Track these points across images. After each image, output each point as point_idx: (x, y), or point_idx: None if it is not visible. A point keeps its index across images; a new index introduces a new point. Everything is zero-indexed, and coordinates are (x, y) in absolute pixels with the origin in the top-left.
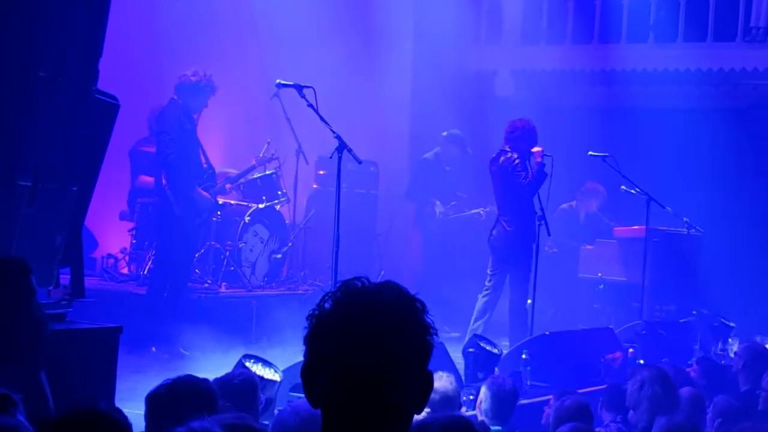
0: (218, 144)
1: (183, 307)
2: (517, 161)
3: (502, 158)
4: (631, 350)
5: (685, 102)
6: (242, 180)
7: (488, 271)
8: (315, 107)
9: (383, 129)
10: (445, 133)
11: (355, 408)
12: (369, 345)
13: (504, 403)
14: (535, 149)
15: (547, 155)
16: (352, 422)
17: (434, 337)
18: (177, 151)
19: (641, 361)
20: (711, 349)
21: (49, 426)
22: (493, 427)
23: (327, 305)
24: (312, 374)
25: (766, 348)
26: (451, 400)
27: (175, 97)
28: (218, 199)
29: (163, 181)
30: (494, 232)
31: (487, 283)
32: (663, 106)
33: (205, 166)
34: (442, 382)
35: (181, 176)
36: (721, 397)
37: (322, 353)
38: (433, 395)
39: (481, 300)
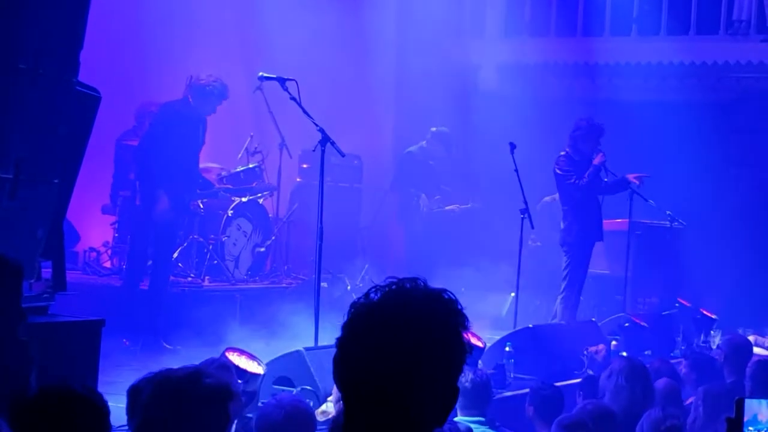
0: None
1: (162, 301)
2: (565, 163)
3: (557, 161)
4: (614, 343)
5: (669, 95)
6: (226, 179)
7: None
8: (298, 100)
9: (367, 122)
10: (433, 129)
11: (371, 407)
12: (401, 346)
13: (478, 394)
14: (596, 159)
15: (631, 179)
16: (368, 408)
17: (469, 351)
18: (154, 148)
19: (624, 354)
20: (693, 341)
21: (26, 405)
22: (474, 418)
23: (373, 296)
24: (340, 363)
25: (747, 340)
26: None
27: (190, 99)
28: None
29: (131, 175)
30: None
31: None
32: (646, 99)
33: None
34: None
35: (147, 172)
36: (706, 385)
37: (350, 345)
38: None
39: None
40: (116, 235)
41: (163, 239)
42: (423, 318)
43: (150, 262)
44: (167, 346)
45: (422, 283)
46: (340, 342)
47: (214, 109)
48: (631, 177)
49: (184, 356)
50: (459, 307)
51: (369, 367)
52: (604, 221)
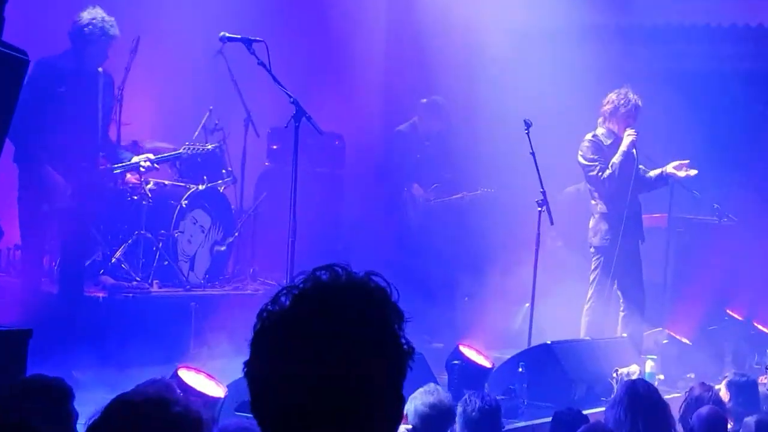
0: (147, 112)
1: (77, 312)
2: (590, 150)
3: (581, 147)
4: (650, 363)
5: (719, 63)
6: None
7: None
8: (267, 66)
9: (351, 93)
10: (424, 101)
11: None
12: (332, 360)
13: (485, 424)
14: (625, 140)
15: (672, 172)
16: None
17: (410, 351)
18: (31, 117)
19: (661, 377)
20: (745, 362)
21: None
22: None
23: (283, 300)
24: (259, 397)
25: None
26: (446, 415)
27: (73, 48)
28: (134, 179)
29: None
30: None
31: None
32: (692, 68)
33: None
34: (436, 395)
35: (24, 150)
36: (760, 415)
37: (271, 366)
38: (428, 410)
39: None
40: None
41: (67, 234)
42: (350, 320)
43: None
44: (76, 374)
45: (342, 272)
46: (250, 366)
47: (106, 54)
48: (672, 167)
49: (128, 376)
50: (390, 297)
51: (292, 390)
52: None
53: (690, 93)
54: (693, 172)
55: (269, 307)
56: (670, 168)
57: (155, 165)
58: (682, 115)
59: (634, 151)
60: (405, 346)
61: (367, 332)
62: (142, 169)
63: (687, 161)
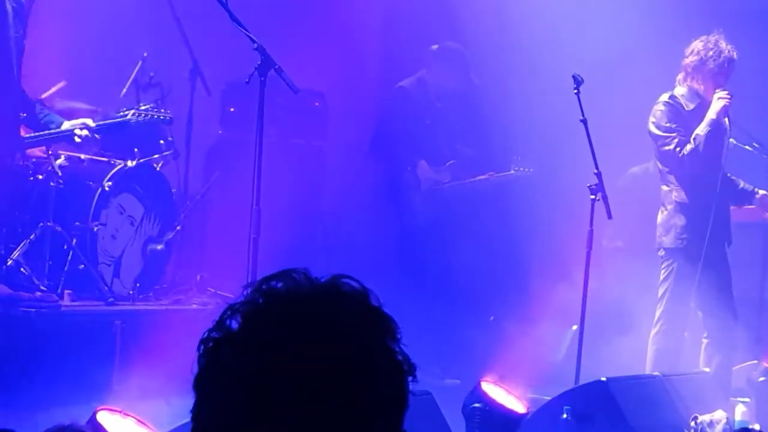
0: (60, 59)
1: None
2: (665, 116)
3: (654, 112)
4: (741, 408)
5: None
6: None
7: None
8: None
9: (337, 38)
10: (435, 47)
11: None
12: (306, 395)
13: None
14: (717, 96)
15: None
16: None
17: (411, 379)
18: None
19: (756, 427)
20: None
21: None
22: None
23: (232, 324)
24: None
25: None
26: None
27: None
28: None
29: None
30: None
31: None
32: None
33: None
34: None
35: None
36: None
37: (224, 410)
38: None
39: None
40: None
41: None
42: (322, 339)
43: None
44: None
45: (302, 279)
46: (198, 412)
47: None
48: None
49: (29, 422)
50: (371, 302)
51: None
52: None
53: None
54: None
55: (213, 333)
56: (761, 193)
57: (95, 135)
58: None
59: (726, 120)
60: (403, 364)
61: (347, 351)
62: (77, 140)
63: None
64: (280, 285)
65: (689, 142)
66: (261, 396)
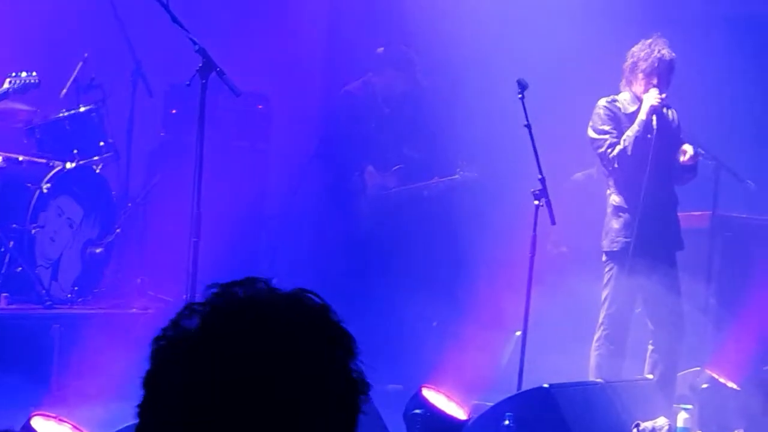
0: None
1: None
2: (602, 119)
3: (593, 115)
4: (683, 414)
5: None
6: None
7: None
8: (164, 1)
9: (281, 40)
10: (381, 50)
11: None
12: (254, 400)
13: None
14: (647, 95)
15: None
16: None
17: (365, 394)
18: None
19: None
20: None
21: None
22: None
23: (188, 324)
24: None
25: None
26: None
27: None
28: None
29: None
30: None
31: None
32: (756, 11)
33: None
34: None
35: None
36: None
37: (173, 405)
38: None
39: None
40: None
41: None
42: (277, 352)
43: None
44: None
45: (264, 287)
46: (145, 410)
47: None
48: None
49: None
50: (332, 318)
51: None
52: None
53: (754, 45)
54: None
55: (169, 332)
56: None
57: None
58: (741, 76)
59: (654, 120)
60: (358, 384)
61: (302, 363)
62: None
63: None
64: (241, 291)
65: (619, 143)
66: (212, 396)
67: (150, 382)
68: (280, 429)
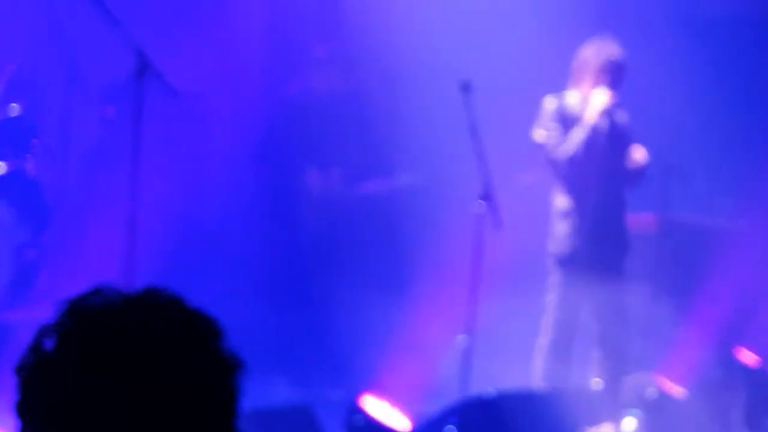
0: None
1: None
2: (547, 118)
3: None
4: (630, 422)
5: (747, 7)
6: None
7: None
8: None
9: (220, 39)
10: (321, 51)
11: None
12: (122, 407)
13: None
14: (594, 95)
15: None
16: None
17: (237, 365)
18: None
19: None
20: (761, 423)
21: None
22: None
23: (45, 346)
24: None
25: None
26: None
27: None
28: None
29: None
30: None
31: None
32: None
33: None
34: None
35: None
36: None
37: (44, 429)
38: None
39: None
40: None
41: None
42: (135, 353)
43: None
44: None
45: (113, 294)
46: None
47: None
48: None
49: None
50: (187, 307)
51: None
52: None
53: (704, 48)
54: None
55: (28, 357)
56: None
57: None
58: (692, 77)
59: (601, 121)
60: (229, 361)
61: (164, 358)
62: None
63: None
64: (92, 301)
65: (565, 144)
66: (79, 414)
67: (20, 411)
68: (156, 424)
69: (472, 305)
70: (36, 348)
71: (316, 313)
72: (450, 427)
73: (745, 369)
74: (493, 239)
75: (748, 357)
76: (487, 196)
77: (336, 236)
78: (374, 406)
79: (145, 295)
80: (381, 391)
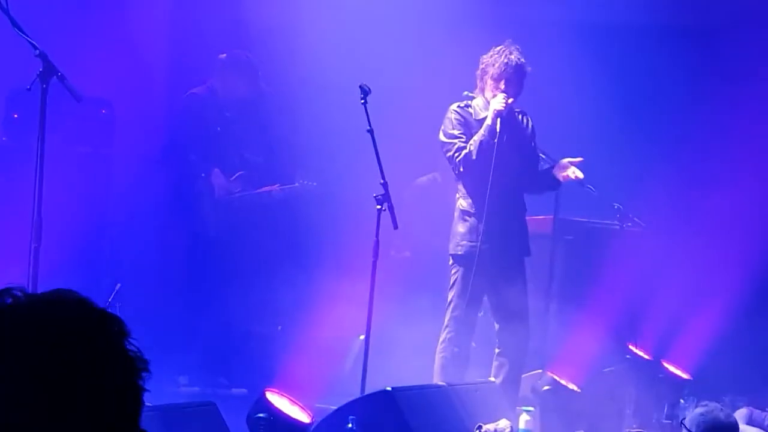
0: None
1: None
2: (453, 124)
3: (444, 120)
4: (525, 417)
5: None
6: None
7: None
8: (3, 4)
9: (124, 45)
10: (223, 56)
11: None
12: (29, 405)
13: None
14: (495, 101)
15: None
16: None
17: (144, 373)
18: None
19: None
20: (653, 416)
21: None
22: None
23: None
24: None
25: (734, 418)
26: None
27: None
28: None
29: None
30: None
31: None
32: (602, 20)
33: None
34: None
35: None
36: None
37: None
38: None
39: None
40: None
41: None
42: (43, 351)
43: None
44: None
45: (19, 294)
46: None
47: None
48: (565, 164)
49: None
50: (94, 307)
51: None
52: None
53: (600, 54)
54: (578, 173)
55: None
56: (563, 166)
57: None
58: (588, 84)
59: (498, 124)
60: (135, 361)
61: (71, 356)
62: None
63: (579, 159)
64: (8, 300)
65: (465, 147)
66: None
67: None
68: (63, 419)
69: (370, 305)
70: None
71: (218, 312)
72: (351, 419)
73: (638, 363)
74: (390, 241)
75: (640, 351)
76: (384, 198)
77: (238, 237)
78: (276, 401)
79: (53, 296)
80: (283, 388)
